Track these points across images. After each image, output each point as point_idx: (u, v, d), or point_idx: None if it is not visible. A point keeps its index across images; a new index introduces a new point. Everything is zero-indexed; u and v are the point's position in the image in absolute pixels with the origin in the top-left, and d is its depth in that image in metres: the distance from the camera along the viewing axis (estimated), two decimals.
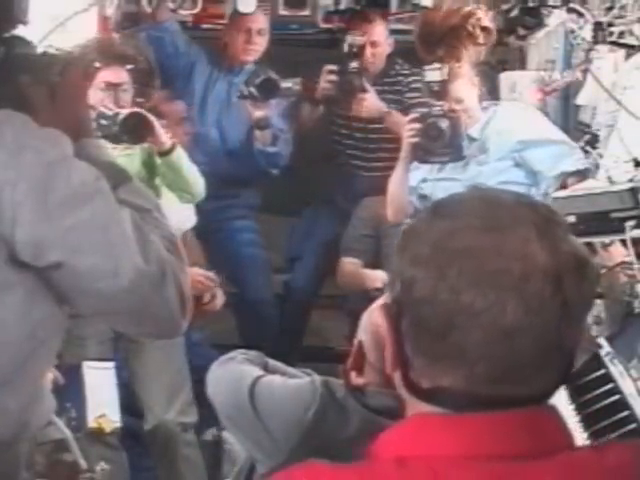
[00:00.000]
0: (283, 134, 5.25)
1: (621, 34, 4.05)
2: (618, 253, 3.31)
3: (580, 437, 2.59)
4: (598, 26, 4.11)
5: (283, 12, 6.01)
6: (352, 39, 5.27)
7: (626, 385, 2.77)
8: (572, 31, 4.44)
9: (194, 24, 5.76)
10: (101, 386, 3.71)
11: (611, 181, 3.53)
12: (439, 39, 4.18)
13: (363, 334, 2.44)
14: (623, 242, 3.17)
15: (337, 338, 5.02)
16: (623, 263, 3.25)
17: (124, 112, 4.02)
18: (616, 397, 2.74)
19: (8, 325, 1.94)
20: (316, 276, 5.41)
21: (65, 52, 2.33)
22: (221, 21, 5.59)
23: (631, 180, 3.31)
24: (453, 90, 4.15)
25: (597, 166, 3.93)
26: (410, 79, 5.38)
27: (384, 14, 5.61)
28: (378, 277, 4.65)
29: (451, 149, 4.14)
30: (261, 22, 5.32)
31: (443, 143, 4.12)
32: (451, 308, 1.22)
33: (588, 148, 4.14)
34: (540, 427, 1.26)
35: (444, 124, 4.10)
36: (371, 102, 5.19)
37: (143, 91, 4.34)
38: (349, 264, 4.97)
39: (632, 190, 3.12)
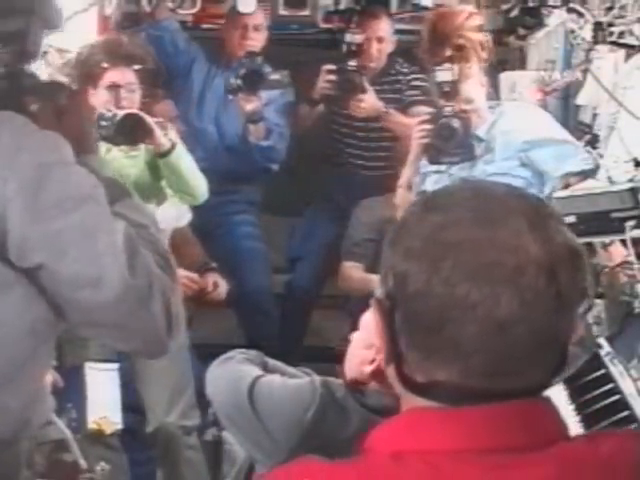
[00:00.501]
0: (278, 128, 5.24)
1: (621, 34, 4.04)
2: (618, 253, 3.31)
3: None
4: (598, 26, 4.11)
5: (283, 12, 6.02)
6: (351, 37, 5.27)
7: (626, 385, 2.77)
8: (572, 31, 4.43)
9: (194, 24, 5.77)
10: (103, 387, 3.70)
11: (611, 181, 3.53)
12: (448, 39, 4.17)
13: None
14: (623, 242, 3.17)
15: (338, 338, 5.02)
16: (623, 263, 3.25)
17: (121, 113, 4.01)
18: (616, 397, 2.74)
19: (8, 324, 1.93)
20: (317, 276, 5.41)
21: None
22: (221, 21, 5.58)
23: (631, 180, 3.31)
24: (463, 90, 4.14)
25: (597, 166, 3.93)
26: (410, 77, 5.39)
27: (389, 12, 5.64)
28: None
29: (463, 149, 4.13)
30: (258, 18, 5.31)
31: (456, 143, 4.11)
32: (445, 301, 1.22)
33: (588, 148, 4.14)
34: (535, 419, 1.26)
35: (456, 124, 4.10)
36: (369, 102, 5.19)
37: (150, 92, 4.34)
38: (351, 268, 4.96)
39: (632, 190, 3.12)
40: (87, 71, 4.18)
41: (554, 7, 4.54)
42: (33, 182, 1.87)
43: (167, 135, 4.21)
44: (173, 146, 4.17)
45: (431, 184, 4.18)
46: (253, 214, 5.43)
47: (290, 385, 2.52)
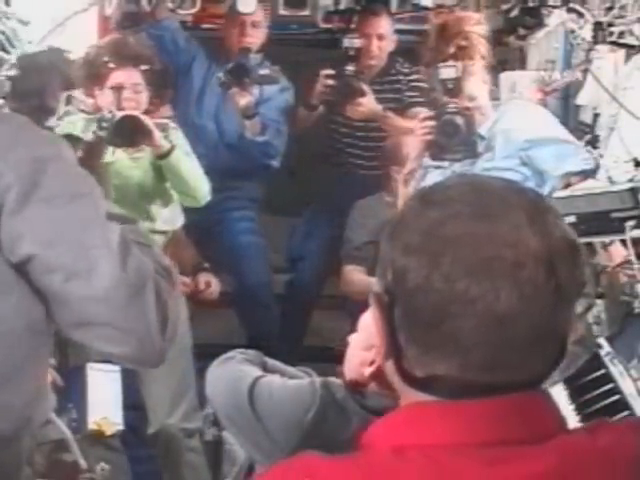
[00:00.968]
0: (275, 124, 5.23)
1: (621, 34, 4.05)
2: (618, 253, 3.32)
3: None
4: (598, 26, 4.11)
5: (283, 12, 6.02)
6: (349, 42, 5.29)
7: (626, 385, 2.77)
8: (572, 31, 4.44)
9: (194, 24, 5.77)
10: (104, 388, 3.69)
11: (611, 181, 3.53)
12: (454, 39, 4.18)
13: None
14: (623, 242, 3.17)
15: (338, 338, 5.01)
16: (623, 263, 3.26)
17: (119, 115, 4.01)
18: (616, 397, 2.74)
19: (9, 323, 1.93)
20: (317, 276, 5.41)
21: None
22: (220, 21, 5.59)
23: (631, 180, 3.31)
24: (467, 88, 4.14)
25: (597, 166, 3.93)
26: (410, 78, 5.40)
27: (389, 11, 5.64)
28: None
29: (465, 146, 4.12)
30: (256, 15, 5.29)
31: (459, 140, 4.10)
32: (445, 296, 1.22)
33: (589, 148, 4.14)
34: (534, 412, 1.26)
35: (460, 120, 4.09)
36: (367, 106, 5.21)
37: (158, 92, 4.33)
38: (352, 272, 4.94)
39: (632, 190, 3.12)
40: (94, 71, 4.18)
41: (554, 7, 4.54)
42: (29, 175, 1.87)
43: (168, 137, 4.21)
44: (172, 148, 4.16)
45: (432, 181, 4.18)
46: (253, 210, 5.42)
47: (290, 386, 2.52)
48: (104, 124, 3.96)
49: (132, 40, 4.32)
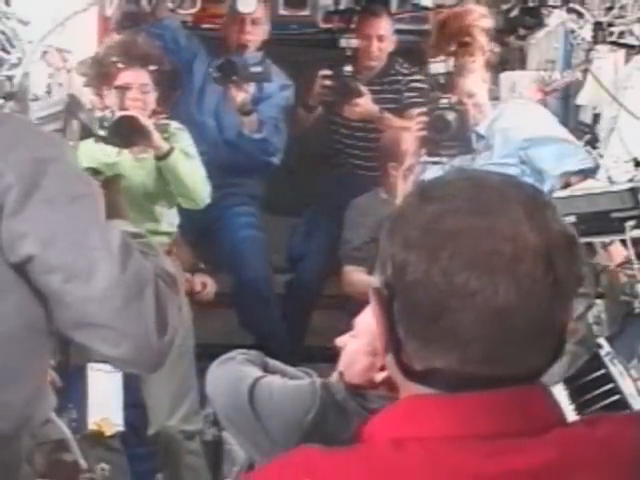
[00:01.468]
0: (273, 121, 5.23)
1: (621, 34, 4.05)
2: (618, 253, 3.32)
3: None
4: (598, 26, 4.11)
5: (283, 12, 6.02)
6: (346, 42, 5.30)
7: (626, 385, 2.77)
8: (572, 31, 4.44)
9: (194, 24, 5.77)
10: (105, 388, 3.70)
11: (611, 181, 3.53)
12: (455, 36, 4.18)
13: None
14: (623, 242, 3.17)
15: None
16: (623, 263, 3.26)
17: (117, 114, 4.01)
18: (616, 397, 2.75)
19: (10, 322, 1.93)
20: (318, 276, 5.41)
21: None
22: (220, 21, 5.58)
23: (631, 180, 3.31)
24: (466, 84, 4.14)
25: (597, 166, 3.93)
26: (409, 78, 5.41)
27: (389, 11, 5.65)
28: None
29: (459, 142, 4.12)
30: (256, 12, 5.29)
31: (449, 135, 4.10)
32: (444, 290, 1.23)
33: (588, 148, 4.14)
34: (533, 405, 1.27)
35: (450, 116, 4.09)
36: (364, 107, 5.22)
37: (166, 93, 4.33)
38: (353, 272, 4.93)
39: (632, 190, 3.13)
40: (103, 71, 4.18)
41: (554, 7, 4.54)
42: (29, 176, 1.87)
43: (173, 138, 4.20)
44: (171, 149, 4.15)
45: (431, 176, 4.18)
46: (254, 207, 5.42)
47: (290, 386, 2.52)
48: (105, 124, 3.97)
49: (141, 40, 4.32)
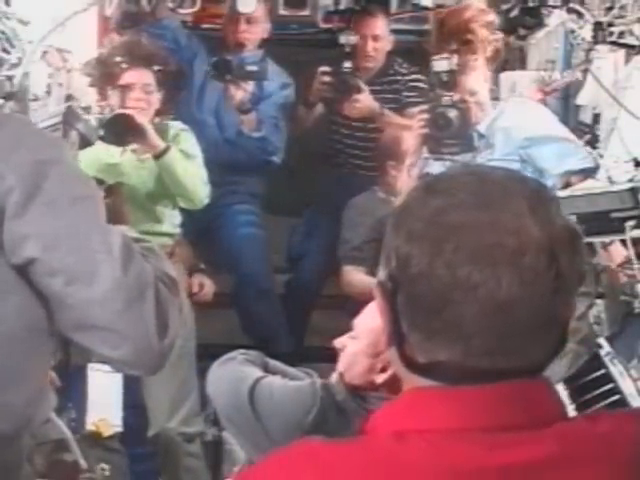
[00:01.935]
0: (272, 120, 5.23)
1: (621, 34, 4.05)
2: (618, 253, 3.32)
3: None
4: (598, 26, 4.11)
5: (283, 12, 6.02)
6: (345, 38, 5.29)
7: (626, 385, 2.77)
8: (572, 31, 4.44)
9: (194, 24, 5.78)
10: (105, 389, 3.70)
11: (611, 181, 3.53)
12: (456, 34, 4.17)
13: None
14: (623, 242, 3.17)
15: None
16: (623, 263, 3.26)
17: (114, 113, 4.02)
18: (616, 397, 2.75)
19: (10, 322, 1.94)
20: (317, 276, 5.41)
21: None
22: (220, 21, 5.58)
23: (631, 180, 3.31)
24: (468, 82, 4.14)
25: (597, 165, 3.93)
26: (408, 78, 5.40)
27: (386, 11, 5.64)
28: None
29: (460, 140, 4.12)
30: (255, 10, 5.29)
31: (451, 133, 4.09)
32: (447, 283, 1.24)
33: (588, 148, 4.14)
34: (535, 398, 1.28)
35: (452, 114, 4.09)
36: (364, 103, 5.21)
37: (171, 93, 4.33)
38: (352, 272, 4.92)
39: (632, 190, 3.13)
40: (107, 71, 4.19)
41: (554, 7, 4.54)
42: (30, 178, 1.87)
43: (175, 138, 4.20)
44: (167, 148, 4.15)
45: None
46: (254, 205, 5.42)
47: (291, 387, 2.52)
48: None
49: (145, 40, 4.32)
